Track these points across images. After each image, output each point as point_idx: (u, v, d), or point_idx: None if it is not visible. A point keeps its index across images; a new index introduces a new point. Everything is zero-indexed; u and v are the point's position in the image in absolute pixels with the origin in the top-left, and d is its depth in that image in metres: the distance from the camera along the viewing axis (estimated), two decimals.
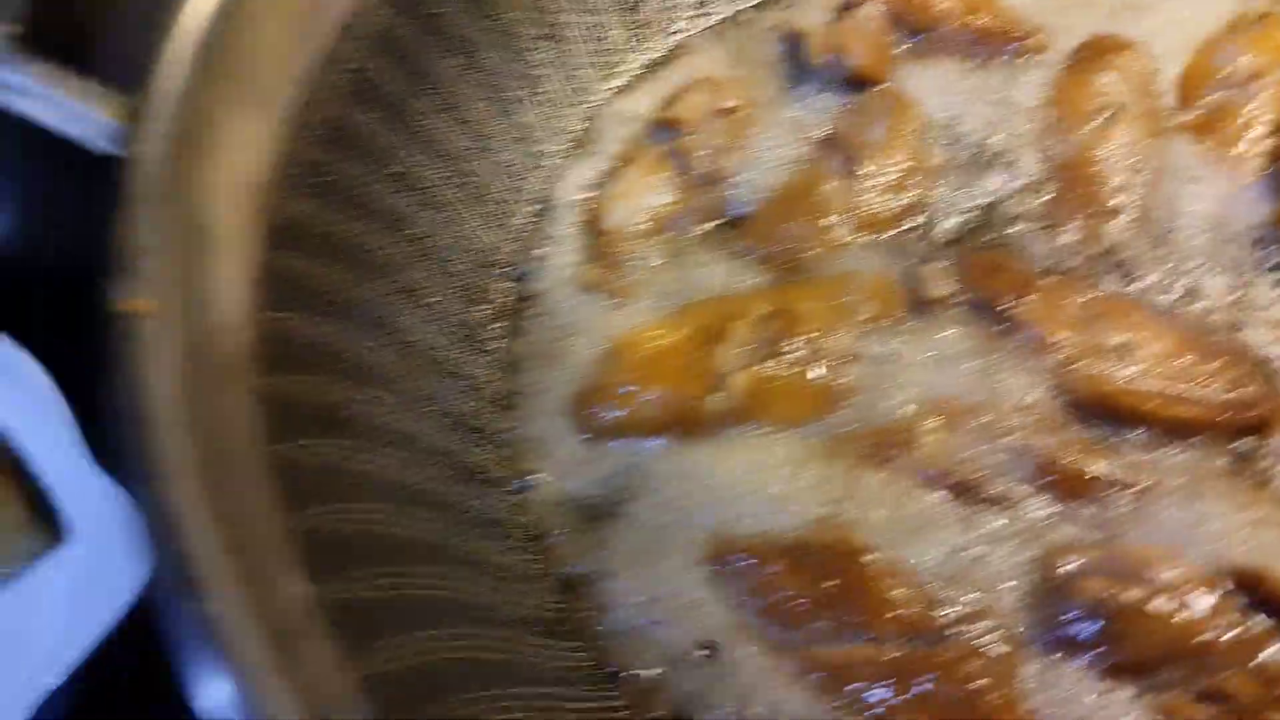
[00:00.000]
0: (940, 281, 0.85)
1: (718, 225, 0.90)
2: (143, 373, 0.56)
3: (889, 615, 0.70)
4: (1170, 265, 0.86)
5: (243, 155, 0.69)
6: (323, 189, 0.76)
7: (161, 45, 0.66)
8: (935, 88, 0.95)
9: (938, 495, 0.76)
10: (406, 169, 0.84)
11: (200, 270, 0.62)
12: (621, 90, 0.99)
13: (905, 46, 0.97)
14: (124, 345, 0.56)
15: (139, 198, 0.60)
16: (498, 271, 0.89)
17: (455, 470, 0.77)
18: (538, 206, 0.92)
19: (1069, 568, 0.72)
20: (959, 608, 0.71)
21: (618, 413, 0.80)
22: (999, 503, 0.76)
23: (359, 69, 0.80)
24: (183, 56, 0.66)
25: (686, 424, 0.79)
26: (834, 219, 0.89)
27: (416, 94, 0.85)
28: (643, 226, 0.89)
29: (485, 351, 0.86)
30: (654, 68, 1.00)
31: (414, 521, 0.70)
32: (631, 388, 0.80)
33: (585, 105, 0.97)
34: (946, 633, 0.70)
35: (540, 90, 0.94)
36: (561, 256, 0.90)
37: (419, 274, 0.82)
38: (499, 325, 0.87)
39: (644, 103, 0.97)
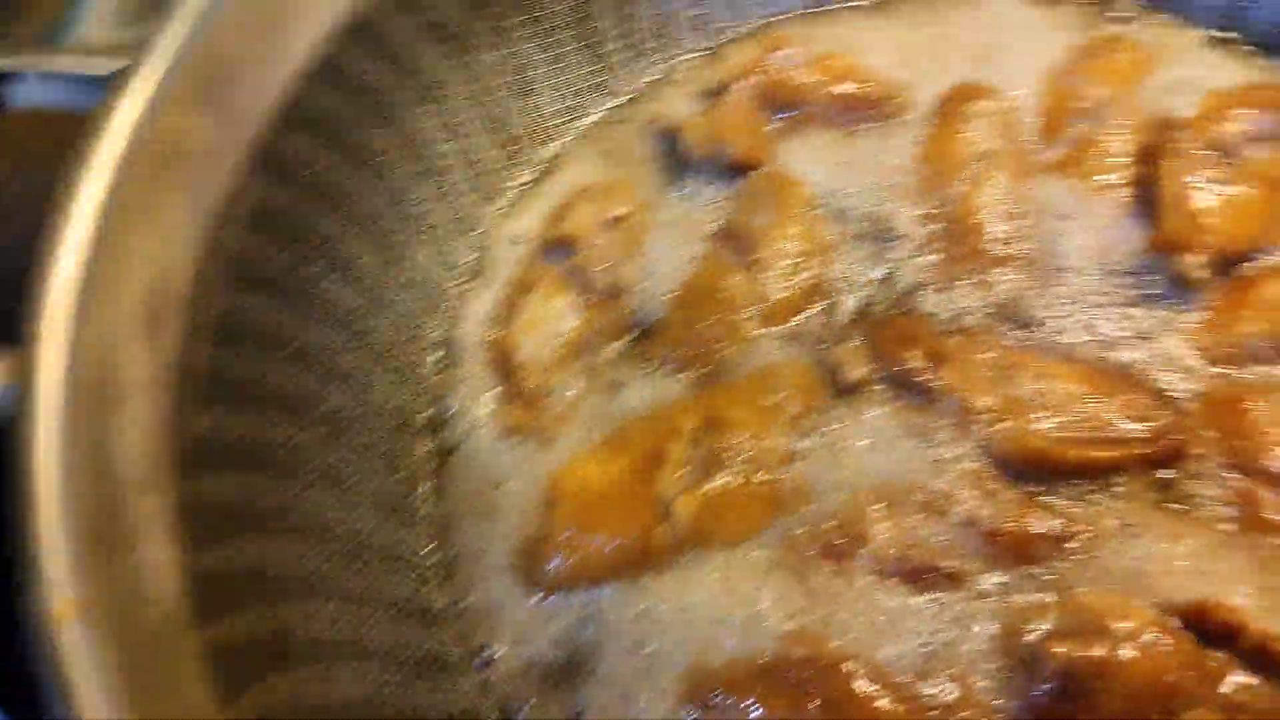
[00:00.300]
0: (856, 363, 0.86)
1: (630, 340, 0.90)
2: (75, 676, 0.52)
3: None
4: (1062, 306, 0.89)
5: (143, 394, 0.65)
6: (223, 393, 0.72)
7: (37, 292, 0.62)
8: (814, 162, 0.96)
9: (896, 584, 0.77)
10: (303, 345, 0.80)
11: (119, 537, 0.59)
12: (507, 212, 0.97)
13: (777, 124, 0.98)
14: (50, 649, 0.52)
15: (41, 480, 0.57)
16: (414, 431, 0.87)
17: (412, 665, 0.74)
18: (443, 352, 0.91)
19: (1032, 636, 0.74)
20: (940, 700, 0.72)
21: (565, 563, 0.79)
22: (955, 581, 0.77)
23: (240, 252, 0.76)
24: (63, 298, 0.62)
25: (639, 561, 0.78)
26: (741, 313, 0.89)
27: (301, 264, 0.82)
28: (555, 355, 0.88)
29: (415, 522, 0.83)
30: (536, 183, 0.99)
31: None
32: (575, 533, 0.79)
33: (473, 235, 0.96)
34: None
35: (425, 228, 0.92)
36: (477, 401, 0.88)
37: (334, 455, 0.79)
38: (424, 489, 0.85)
39: (532, 222, 0.96)
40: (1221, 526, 0.78)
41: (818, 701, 0.72)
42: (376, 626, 0.74)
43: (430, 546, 0.82)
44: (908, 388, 0.85)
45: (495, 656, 0.78)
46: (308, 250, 0.82)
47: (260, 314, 0.77)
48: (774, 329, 0.89)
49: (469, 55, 0.94)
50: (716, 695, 0.74)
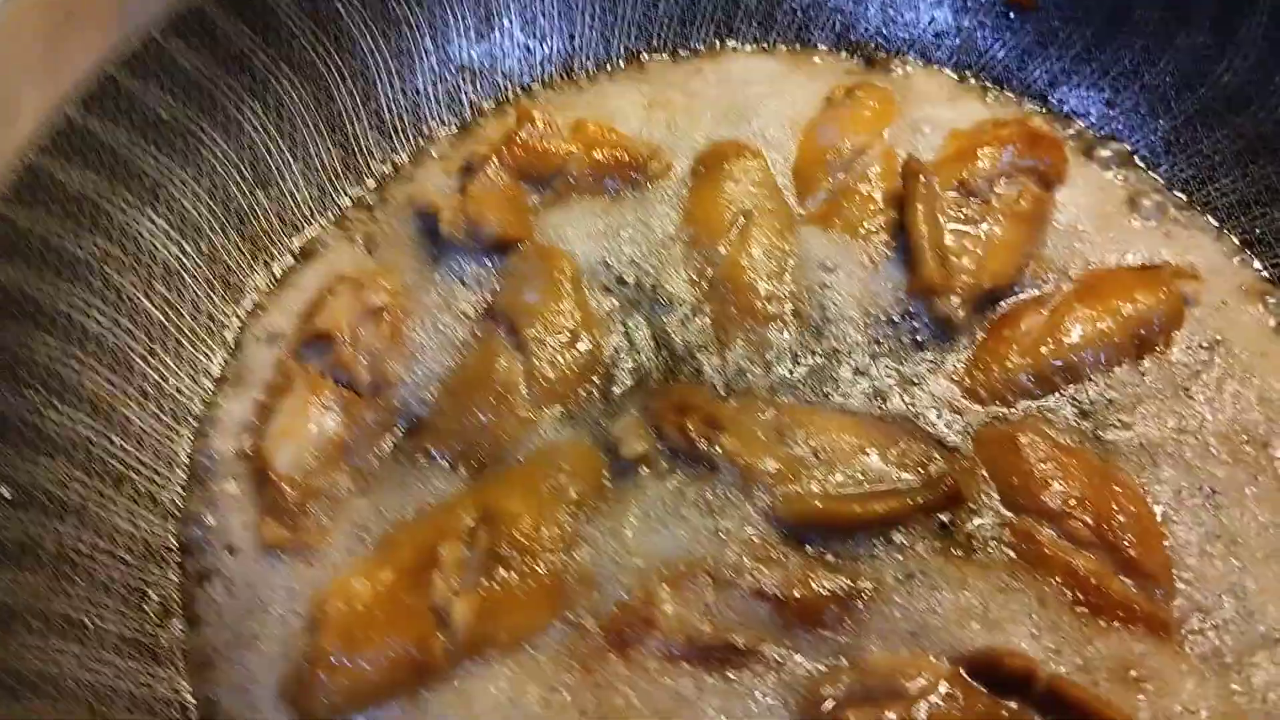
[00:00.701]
0: (635, 438, 0.83)
1: (398, 436, 0.85)
2: None
3: None
4: (834, 358, 0.89)
5: None
6: None
7: None
8: (579, 232, 0.94)
9: (688, 667, 0.74)
10: (25, 484, 0.73)
11: None
12: (257, 310, 0.91)
13: (538, 197, 0.96)
14: None
15: None
16: (162, 560, 0.79)
17: None
18: (193, 469, 0.83)
19: (828, 705, 0.73)
20: None
21: (336, 688, 0.72)
22: (747, 656, 0.75)
23: None
24: None
25: (417, 675, 0.73)
26: (515, 396, 0.86)
27: (16, 392, 0.74)
28: (316, 461, 0.82)
29: (169, 660, 0.75)
30: (287, 276, 0.93)
31: None
32: (344, 655, 0.73)
33: (221, 337, 0.89)
34: None
35: (164, 335, 0.85)
36: (233, 520, 0.81)
37: (69, 599, 0.72)
38: (176, 622, 0.77)
39: (285, 319, 0.90)
40: (1003, 568, 0.79)
41: None
42: None
43: (188, 687, 0.75)
44: (688, 459, 0.83)
45: None
46: (23, 376, 0.75)
47: None
48: (550, 410, 0.86)
49: (195, 152, 0.88)
50: None
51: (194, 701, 0.75)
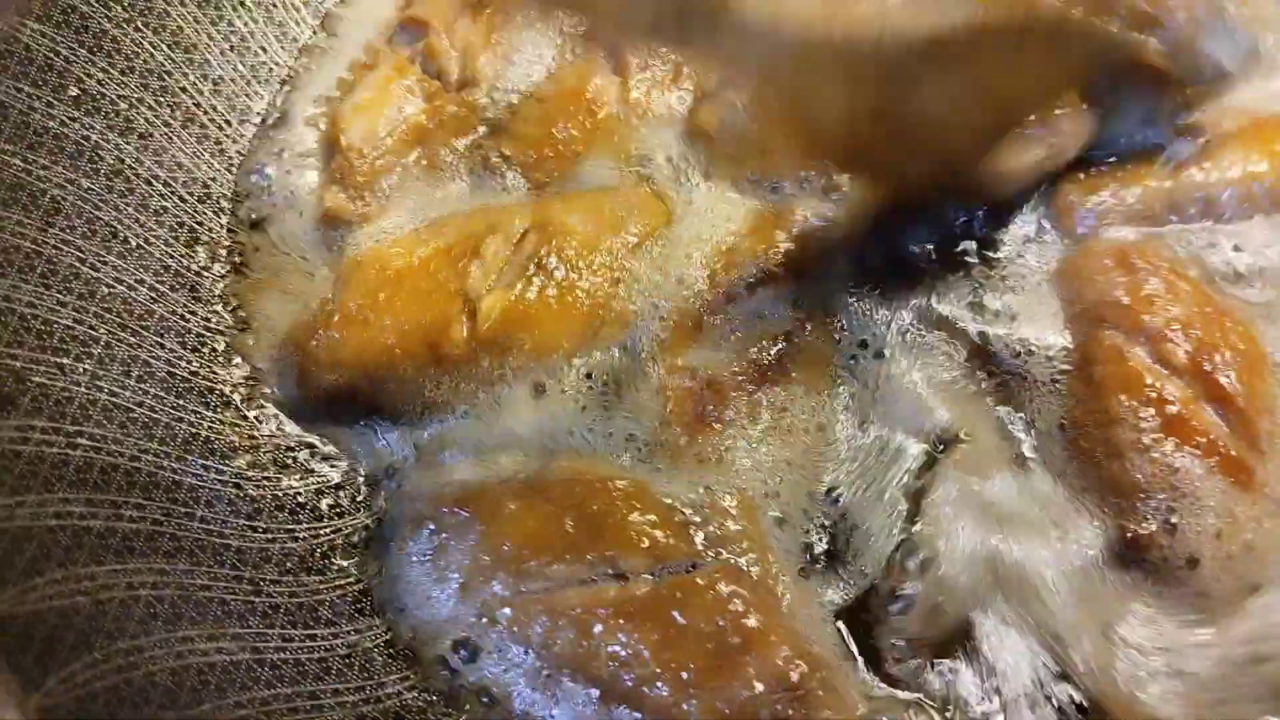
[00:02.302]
0: None
1: (475, 136, 0.81)
2: None
3: (638, 546, 0.64)
4: None
5: None
6: None
7: None
8: None
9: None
10: (91, 89, 0.72)
11: None
12: None
13: None
14: None
15: None
16: (219, 206, 0.78)
17: (179, 439, 0.68)
18: (266, 124, 0.82)
19: None
20: (710, 528, 0.66)
21: (345, 343, 0.71)
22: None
23: None
24: None
25: (430, 358, 0.71)
26: (602, 117, 0.81)
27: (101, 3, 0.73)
28: (389, 140, 0.80)
29: (208, 299, 0.75)
30: None
31: (125, 510, 0.61)
32: (364, 313, 0.71)
33: (315, 7, 0.86)
34: (699, 556, 0.64)
35: None
36: (295, 180, 0.80)
37: (114, 213, 0.71)
38: (220, 266, 0.77)
39: (383, 7, 0.86)
40: None
41: (577, 518, 0.65)
42: (142, 397, 0.67)
43: (222, 325, 0.75)
44: None
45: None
46: None
47: (39, 42, 0.69)
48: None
49: None
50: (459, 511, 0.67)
51: (225, 341, 0.74)
